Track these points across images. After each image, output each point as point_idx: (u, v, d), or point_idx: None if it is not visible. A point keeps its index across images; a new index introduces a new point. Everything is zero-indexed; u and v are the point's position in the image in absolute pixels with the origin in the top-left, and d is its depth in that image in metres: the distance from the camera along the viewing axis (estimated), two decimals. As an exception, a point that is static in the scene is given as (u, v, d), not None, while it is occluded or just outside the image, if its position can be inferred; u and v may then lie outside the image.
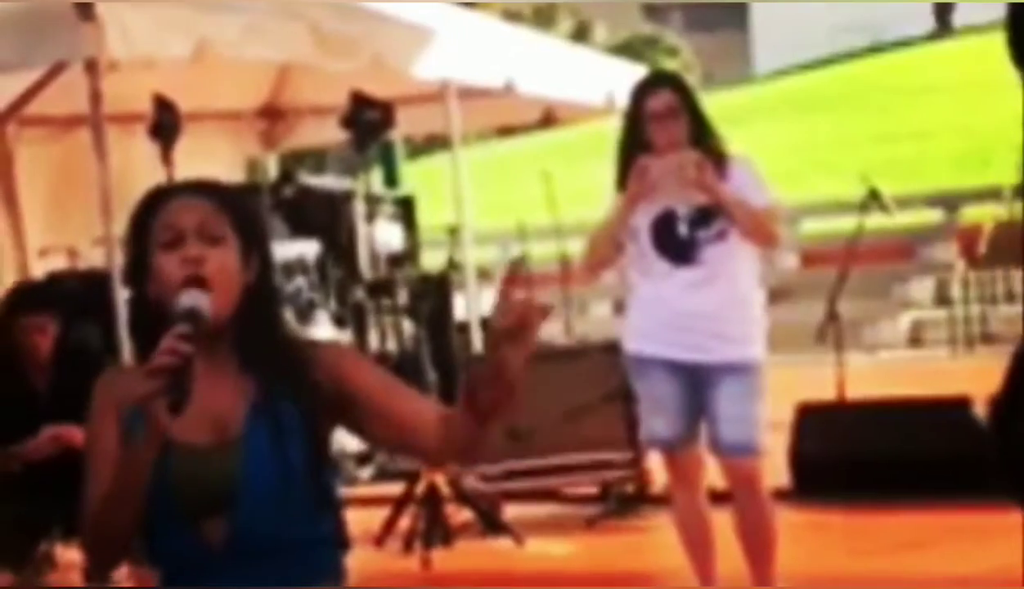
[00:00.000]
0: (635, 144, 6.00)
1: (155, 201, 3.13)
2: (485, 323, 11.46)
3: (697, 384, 5.97)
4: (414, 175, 14.65)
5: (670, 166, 5.83)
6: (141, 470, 2.95)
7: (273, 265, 3.23)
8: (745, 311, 6.00)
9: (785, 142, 26.35)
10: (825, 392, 9.34)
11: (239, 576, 3.00)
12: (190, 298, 2.98)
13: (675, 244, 5.94)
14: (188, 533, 3.02)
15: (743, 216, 5.84)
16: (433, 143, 14.20)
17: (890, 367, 12.47)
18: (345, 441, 7.90)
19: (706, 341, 5.92)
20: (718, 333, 5.92)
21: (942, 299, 17.36)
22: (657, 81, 6.21)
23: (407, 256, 11.48)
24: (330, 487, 3.11)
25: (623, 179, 6.00)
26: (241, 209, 3.15)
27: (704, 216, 5.90)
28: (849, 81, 35.63)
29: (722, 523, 6.12)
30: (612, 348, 7.54)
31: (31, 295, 7.87)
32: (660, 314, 5.98)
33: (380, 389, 3.11)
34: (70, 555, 8.17)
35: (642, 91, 6.07)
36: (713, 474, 6.23)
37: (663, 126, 5.92)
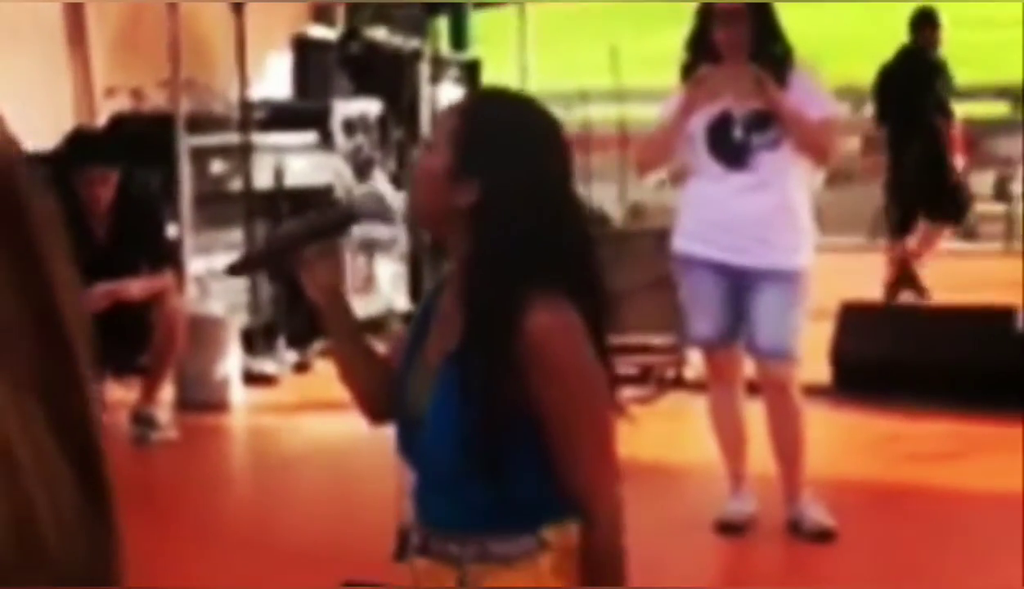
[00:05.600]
0: (700, 42, 6.04)
1: None
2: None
3: (740, 287, 6.04)
4: (481, 24, 14.52)
5: (729, 76, 5.87)
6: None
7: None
8: (793, 219, 6.04)
9: (859, 20, 26.06)
10: (875, 280, 9.40)
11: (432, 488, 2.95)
12: None
13: (729, 147, 5.99)
14: (407, 430, 2.97)
15: (798, 129, 5.88)
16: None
17: (943, 258, 12.46)
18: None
19: (752, 245, 5.98)
20: (764, 239, 5.97)
21: (1001, 194, 17.24)
22: None
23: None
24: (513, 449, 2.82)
25: (687, 74, 6.06)
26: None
27: (760, 121, 5.93)
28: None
29: (757, 412, 6.25)
30: (661, 234, 7.60)
31: (94, 145, 7.93)
32: (710, 216, 6.04)
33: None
34: (118, 395, 8.38)
35: None
36: (751, 368, 6.34)
37: (727, 27, 5.94)
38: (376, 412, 3.10)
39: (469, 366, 2.78)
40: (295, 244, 3.06)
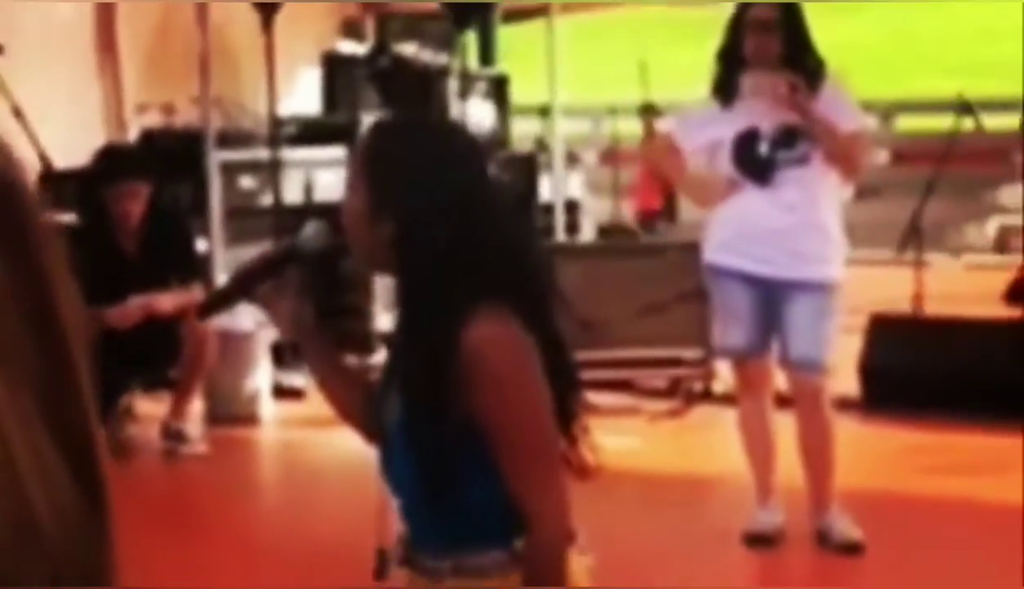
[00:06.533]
0: (732, 54, 6.05)
1: None
2: (570, 205, 11.60)
3: (771, 298, 6.06)
4: (509, 37, 14.57)
5: (763, 85, 5.89)
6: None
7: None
8: (822, 233, 6.05)
9: (888, 33, 26.05)
10: (904, 294, 9.39)
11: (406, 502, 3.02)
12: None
13: (755, 163, 6.01)
14: (381, 448, 3.03)
15: (829, 140, 5.89)
16: (533, 13, 14.14)
17: (973, 272, 12.44)
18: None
19: (783, 258, 5.99)
20: (795, 251, 5.98)
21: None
22: None
23: (497, 135, 11.53)
24: (464, 465, 2.83)
25: (720, 86, 6.07)
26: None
27: (787, 138, 5.95)
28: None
29: (785, 425, 6.25)
30: (691, 247, 7.62)
31: (125, 160, 7.96)
32: (739, 228, 6.06)
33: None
34: (148, 409, 8.42)
35: (745, 2, 6.10)
36: (780, 380, 6.34)
37: (758, 39, 5.95)
38: (368, 432, 3.10)
39: (410, 385, 2.83)
40: (250, 281, 3.15)
